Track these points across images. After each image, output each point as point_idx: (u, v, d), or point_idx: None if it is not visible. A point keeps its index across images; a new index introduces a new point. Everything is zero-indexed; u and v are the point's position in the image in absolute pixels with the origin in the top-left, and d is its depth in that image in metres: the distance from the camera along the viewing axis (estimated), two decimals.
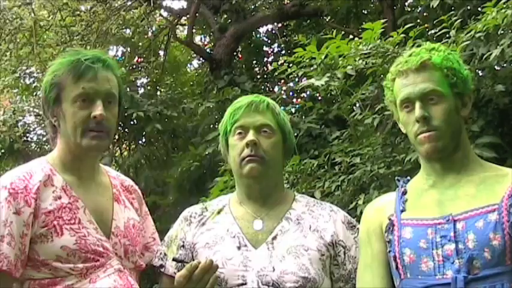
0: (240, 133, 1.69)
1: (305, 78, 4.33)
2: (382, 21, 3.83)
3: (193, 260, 1.62)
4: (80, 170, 1.72)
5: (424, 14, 5.57)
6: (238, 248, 1.62)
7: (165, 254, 1.75)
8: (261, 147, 1.63)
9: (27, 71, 7.08)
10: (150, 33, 8.05)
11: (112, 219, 1.72)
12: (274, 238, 1.64)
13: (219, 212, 1.74)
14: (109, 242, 1.67)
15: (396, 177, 1.79)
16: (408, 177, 1.78)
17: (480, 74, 3.57)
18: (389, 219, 1.63)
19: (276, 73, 4.54)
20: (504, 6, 3.13)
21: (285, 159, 1.76)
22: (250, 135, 1.65)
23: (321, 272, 1.60)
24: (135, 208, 1.84)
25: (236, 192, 1.77)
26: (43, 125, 7.24)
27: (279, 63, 4.45)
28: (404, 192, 1.68)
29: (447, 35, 3.54)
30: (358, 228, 1.70)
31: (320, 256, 1.63)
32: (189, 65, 9.93)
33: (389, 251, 1.61)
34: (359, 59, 3.76)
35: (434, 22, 3.67)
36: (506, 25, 3.12)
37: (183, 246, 1.70)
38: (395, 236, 1.59)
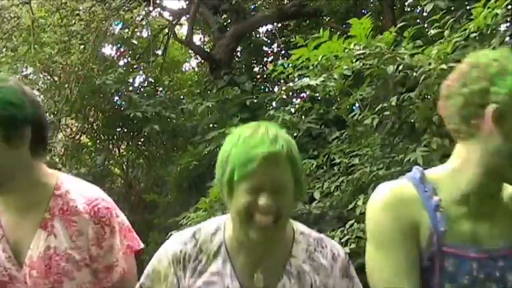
0: (252, 189, 1.35)
1: (305, 78, 4.33)
2: (371, 21, 3.81)
3: None
4: (4, 194, 1.60)
5: (424, 13, 5.56)
6: None
7: None
8: (276, 207, 1.34)
9: (25, 71, 7.09)
10: (149, 33, 8.05)
11: (28, 247, 1.59)
12: None
13: (215, 256, 1.46)
14: (20, 272, 1.58)
15: (413, 172, 1.59)
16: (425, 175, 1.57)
17: None
18: (430, 238, 1.38)
19: (273, 75, 4.55)
20: (493, 5, 3.14)
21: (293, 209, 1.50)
22: (266, 198, 1.32)
23: None
24: (71, 234, 1.61)
25: (233, 229, 1.46)
26: None
27: (276, 64, 4.44)
28: (437, 206, 1.42)
29: (442, 36, 3.55)
30: (352, 277, 1.52)
31: None
32: (188, 64, 9.95)
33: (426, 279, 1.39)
34: (356, 60, 3.75)
35: (427, 22, 3.67)
36: (496, 24, 3.13)
37: None
38: (436, 265, 1.37)
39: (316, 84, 3.86)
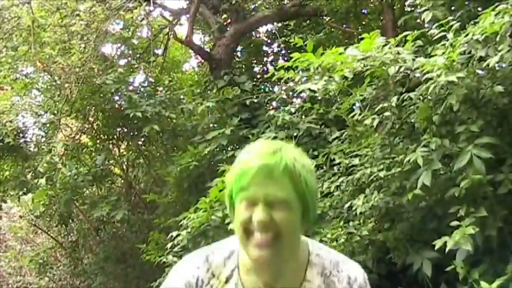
0: (247, 204, 1.30)
1: (305, 78, 4.33)
2: (381, 38, 3.83)
3: None
4: None
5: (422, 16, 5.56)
6: None
7: None
8: (274, 223, 1.27)
9: (25, 71, 7.09)
10: (149, 33, 8.04)
11: None
12: None
13: (227, 281, 1.41)
14: None
15: None
16: None
17: (479, 73, 3.57)
18: None
19: (274, 78, 4.55)
20: (502, 11, 3.14)
21: (303, 230, 1.38)
22: (260, 212, 1.26)
23: None
24: None
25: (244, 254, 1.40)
26: (39, 124, 7.26)
27: (277, 67, 4.44)
28: None
29: (446, 38, 3.55)
30: None
31: None
32: (188, 64, 9.95)
33: None
34: (357, 62, 3.77)
35: (434, 26, 3.68)
36: (504, 31, 3.13)
37: None
38: None
39: (318, 89, 3.87)
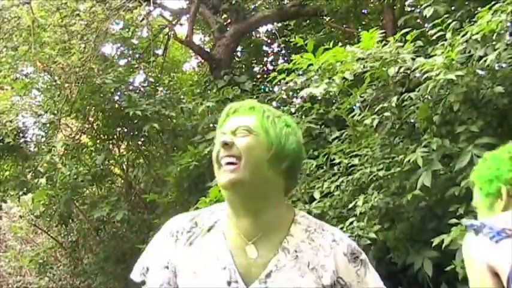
0: (220, 137, 1.46)
1: (304, 78, 4.33)
2: (380, 31, 3.84)
3: (177, 285, 1.44)
4: None
5: (424, 15, 5.56)
6: (229, 283, 1.39)
7: (147, 269, 1.53)
8: (236, 147, 1.40)
9: (25, 71, 7.10)
10: (149, 33, 8.05)
11: None
12: (268, 276, 1.40)
13: (209, 230, 1.48)
14: None
15: None
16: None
17: (479, 73, 3.57)
18: None
19: (275, 81, 4.55)
20: (499, 10, 3.14)
21: (278, 170, 1.43)
22: (224, 137, 1.42)
23: None
24: None
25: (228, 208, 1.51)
26: (39, 124, 7.26)
27: (277, 69, 4.44)
28: None
29: (444, 37, 3.55)
30: (362, 260, 1.48)
31: None
32: (188, 64, 9.95)
33: None
34: (357, 63, 3.77)
35: (431, 25, 3.68)
36: (502, 29, 3.14)
37: (167, 267, 1.48)
38: None
39: (320, 93, 3.87)
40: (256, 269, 1.41)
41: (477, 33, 3.26)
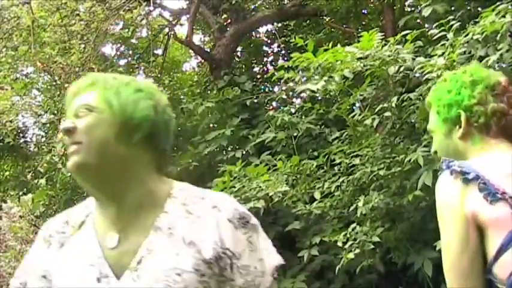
0: None
1: (304, 78, 4.33)
2: (380, 34, 3.83)
3: None
4: None
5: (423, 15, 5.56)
6: (98, 280, 1.24)
7: (25, 284, 1.40)
8: (77, 130, 1.25)
9: (25, 70, 7.10)
10: (149, 33, 8.04)
11: None
12: (140, 262, 1.24)
13: (80, 226, 1.34)
14: None
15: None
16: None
17: None
18: None
19: (273, 78, 4.55)
20: (502, 11, 3.14)
21: (131, 144, 1.26)
22: (63, 123, 1.28)
23: None
24: None
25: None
26: (39, 124, 7.26)
27: (277, 67, 4.45)
28: None
29: (445, 37, 3.55)
30: (253, 225, 1.28)
31: (199, 278, 1.22)
32: (188, 64, 9.95)
33: None
34: (357, 61, 3.76)
35: (435, 25, 3.67)
36: (505, 30, 3.13)
37: (44, 276, 1.33)
38: None
39: (318, 89, 3.87)
40: (127, 258, 1.25)
41: (479, 33, 3.26)
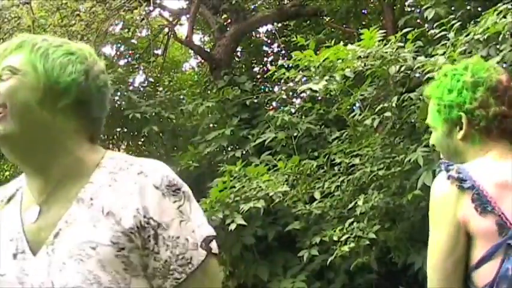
0: None
1: (305, 78, 4.33)
2: (381, 31, 3.84)
3: None
4: None
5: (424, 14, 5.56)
6: (15, 256, 1.16)
7: None
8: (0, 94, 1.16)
9: None
10: (149, 33, 8.05)
11: None
12: (56, 235, 1.15)
13: (9, 200, 1.26)
14: None
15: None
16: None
17: None
18: None
19: (274, 77, 4.55)
20: (504, 11, 3.14)
21: (56, 110, 1.17)
22: None
23: (121, 276, 1.12)
24: None
25: None
26: None
27: (277, 66, 4.44)
28: None
29: (446, 37, 3.55)
30: (184, 193, 1.16)
31: (117, 252, 1.11)
32: (188, 64, 9.95)
33: None
34: (357, 61, 3.77)
35: (436, 25, 3.67)
36: (507, 31, 3.13)
37: None
38: None
39: (319, 89, 3.87)
40: (46, 232, 1.16)
41: (481, 33, 3.26)
